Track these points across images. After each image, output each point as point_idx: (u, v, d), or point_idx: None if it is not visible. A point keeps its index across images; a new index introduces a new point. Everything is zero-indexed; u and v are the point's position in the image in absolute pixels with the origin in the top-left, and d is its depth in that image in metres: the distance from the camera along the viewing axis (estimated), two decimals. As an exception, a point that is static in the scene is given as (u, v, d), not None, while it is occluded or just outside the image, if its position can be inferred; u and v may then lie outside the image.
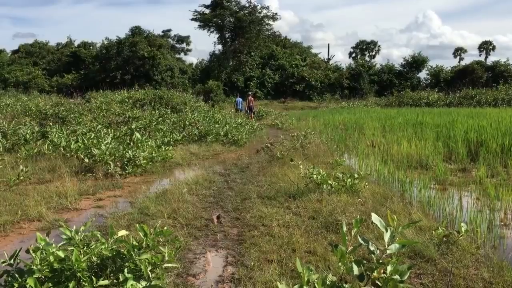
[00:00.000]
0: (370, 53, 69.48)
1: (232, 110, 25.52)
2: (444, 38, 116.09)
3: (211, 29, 53.05)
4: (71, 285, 2.87)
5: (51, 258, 2.93)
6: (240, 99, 27.44)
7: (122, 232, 3.33)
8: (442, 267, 4.15)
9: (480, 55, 66.27)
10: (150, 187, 8.14)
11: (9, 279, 2.96)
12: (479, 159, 9.50)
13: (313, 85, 50.24)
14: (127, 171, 9.06)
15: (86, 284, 2.90)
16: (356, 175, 7.13)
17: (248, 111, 25.80)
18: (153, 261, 3.11)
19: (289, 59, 53.69)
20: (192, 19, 52.73)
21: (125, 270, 3.02)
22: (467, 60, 72.41)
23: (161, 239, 3.58)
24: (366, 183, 7.16)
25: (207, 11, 52.04)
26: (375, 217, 2.71)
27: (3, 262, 3.00)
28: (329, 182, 6.94)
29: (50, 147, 10.05)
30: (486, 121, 13.89)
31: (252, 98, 27.36)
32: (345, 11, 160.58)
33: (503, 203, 6.48)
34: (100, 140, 10.28)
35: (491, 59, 61.03)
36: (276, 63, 52.94)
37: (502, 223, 5.82)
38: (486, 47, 66.13)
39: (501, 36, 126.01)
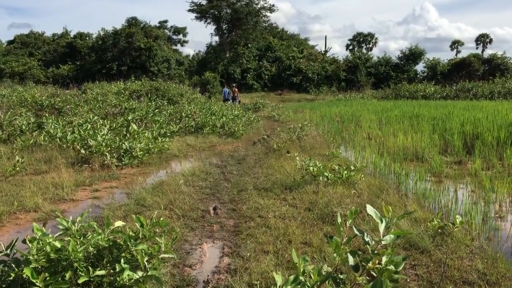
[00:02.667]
0: (367, 46, 69.40)
1: (230, 102, 26.59)
2: (441, 30, 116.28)
3: (208, 20, 52.88)
4: (67, 275, 2.88)
5: (48, 248, 2.94)
6: (227, 90, 29.65)
7: (119, 223, 3.34)
8: (437, 258, 4.18)
9: (477, 48, 66.41)
10: (146, 178, 8.15)
11: (6, 269, 2.97)
12: (475, 152, 9.53)
13: (310, 77, 50.13)
14: (123, 163, 9.05)
15: (83, 274, 2.91)
16: (352, 167, 7.16)
17: (232, 100, 28.23)
18: (149, 251, 3.13)
19: (286, 51, 53.48)
20: (189, 10, 52.60)
21: (122, 260, 3.03)
22: (464, 53, 72.66)
23: (157, 230, 3.60)
24: (362, 175, 7.18)
25: (204, 2, 51.84)
26: (370, 208, 2.72)
27: (-1, 252, 3.01)
28: (325, 174, 6.97)
29: (46, 138, 10.02)
30: (482, 114, 13.92)
31: (236, 89, 29.88)
32: (342, 3, 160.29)
33: (498, 196, 6.52)
34: (96, 131, 10.25)
35: (488, 52, 61.21)
36: (273, 55, 52.74)
37: (497, 215, 5.86)
38: (483, 40, 66.20)
39: (498, 29, 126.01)
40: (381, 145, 11.09)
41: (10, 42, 57.31)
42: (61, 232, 3.21)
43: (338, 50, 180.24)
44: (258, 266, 4.00)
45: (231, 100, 28.27)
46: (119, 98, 19.55)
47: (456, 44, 67.24)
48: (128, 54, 47.67)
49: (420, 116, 15.57)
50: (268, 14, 54.00)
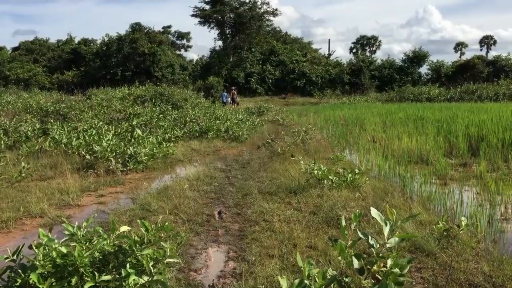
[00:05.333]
0: (371, 48, 69.58)
1: (230, 105, 28.14)
2: (445, 32, 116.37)
3: (211, 25, 53.10)
4: (73, 280, 2.89)
5: (54, 254, 2.95)
6: (225, 94, 32.34)
7: (124, 228, 3.35)
8: (442, 261, 4.17)
9: (481, 50, 66.48)
10: (151, 183, 8.17)
11: (12, 275, 2.98)
12: (480, 154, 9.50)
13: (313, 81, 50.18)
14: (128, 168, 9.08)
15: (89, 279, 2.92)
16: (356, 170, 7.14)
17: (231, 102, 30.96)
18: (155, 256, 3.13)
19: (290, 55, 53.56)
20: (192, 15, 52.79)
21: (127, 265, 3.04)
22: (468, 54, 72.25)
23: (162, 235, 3.60)
24: (367, 178, 7.17)
25: (207, 7, 52.03)
26: (374, 211, 2.72)
27: (6, 258, 3.02)
28: (330, 177, 6.96)
29: (52, 144, 10.07)
30: (487, 116, 13.87)
31: (235, 92, 32.70)
32: (345, 6, 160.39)
33: (503, 198, 6.49)
34: (101, 136, 10.29)
35: (492, 53, 61.09)
36: (276, 59, 52.83)
37: (503, 217, 5.83)
38: (487, 41, 66.19)
39: (502, 30, 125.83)
40: (386, 148, 11.07)
41: (15, 49, 57.68)
42: (67, 238, 3.23)
43: (342, 53, 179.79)
44: (263, 270, 4.00)
45: (230, 102, 30.37)
46: (123, 103, 19.67)
47: (460, 46, 67.27)
48: (132, 59, 47.92)
49: (425, 119, 15.54)
50: (271, 18, 54.25)
